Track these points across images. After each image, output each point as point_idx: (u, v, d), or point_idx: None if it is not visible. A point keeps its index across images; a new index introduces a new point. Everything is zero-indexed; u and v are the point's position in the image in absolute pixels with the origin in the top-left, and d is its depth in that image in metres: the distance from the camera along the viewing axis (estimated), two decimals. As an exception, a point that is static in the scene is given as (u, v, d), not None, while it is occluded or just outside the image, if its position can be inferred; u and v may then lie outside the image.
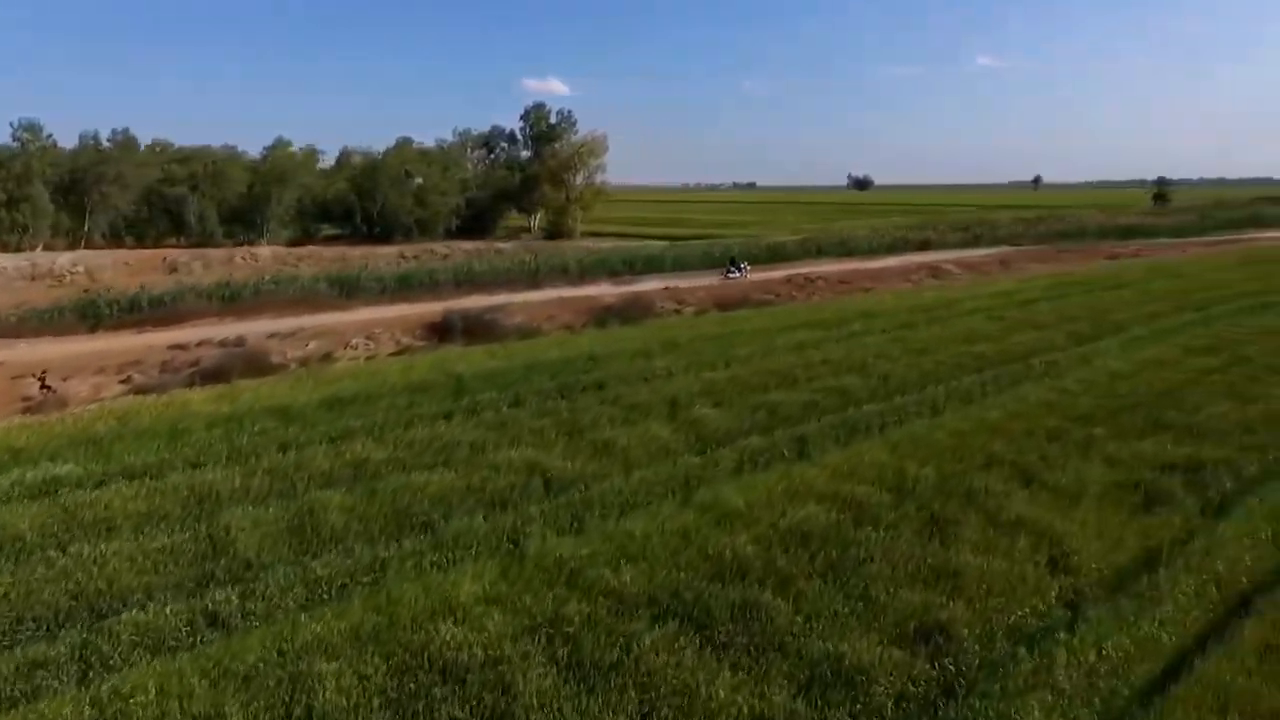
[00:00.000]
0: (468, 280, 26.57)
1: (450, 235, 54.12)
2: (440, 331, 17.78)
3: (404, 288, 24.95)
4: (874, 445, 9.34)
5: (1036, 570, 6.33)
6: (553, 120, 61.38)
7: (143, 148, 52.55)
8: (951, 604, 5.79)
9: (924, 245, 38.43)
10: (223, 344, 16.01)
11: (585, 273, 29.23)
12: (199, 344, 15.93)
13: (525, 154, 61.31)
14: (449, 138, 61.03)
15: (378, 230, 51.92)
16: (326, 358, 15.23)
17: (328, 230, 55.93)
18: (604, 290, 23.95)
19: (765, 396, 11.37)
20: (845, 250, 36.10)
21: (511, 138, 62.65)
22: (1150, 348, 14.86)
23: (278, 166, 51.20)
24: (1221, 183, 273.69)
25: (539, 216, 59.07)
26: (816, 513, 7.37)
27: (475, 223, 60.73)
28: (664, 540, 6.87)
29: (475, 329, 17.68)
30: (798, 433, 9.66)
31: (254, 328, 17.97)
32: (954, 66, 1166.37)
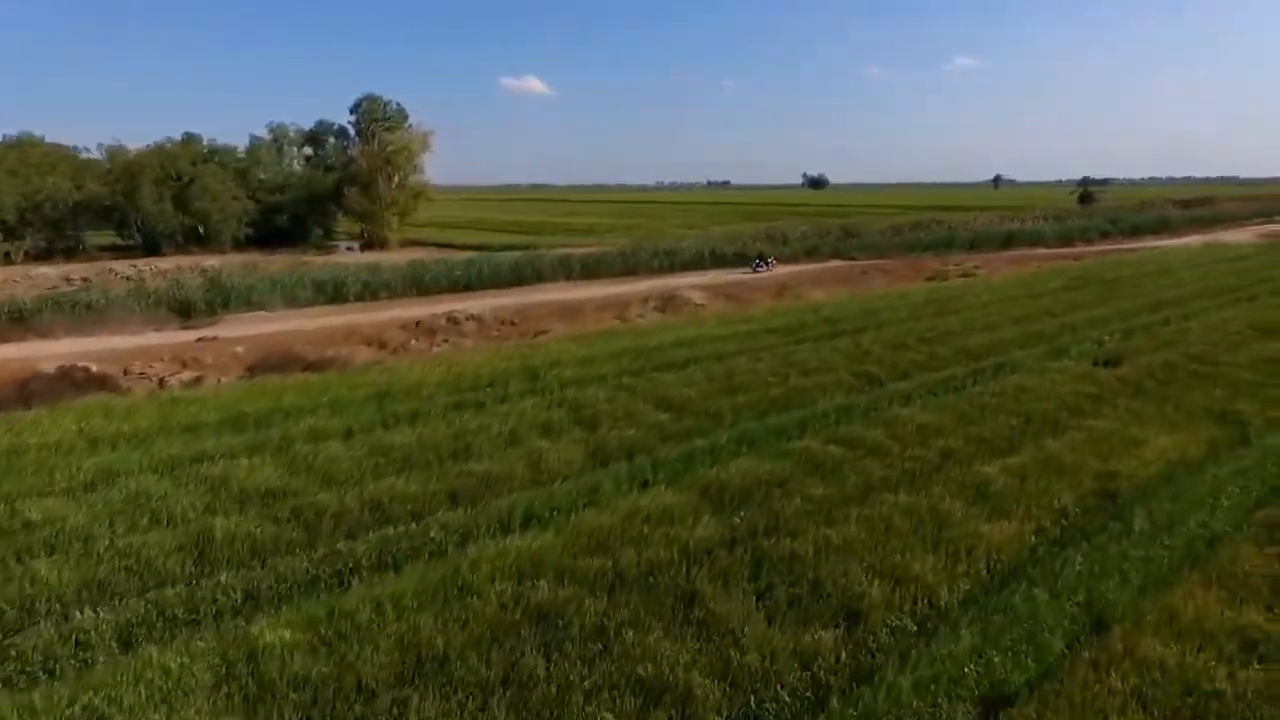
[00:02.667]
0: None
1: (242, 245, 47.18)
2: None
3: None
4: None
5: None
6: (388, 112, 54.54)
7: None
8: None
9: (738, 258, 32.51)
10: None
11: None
12: None
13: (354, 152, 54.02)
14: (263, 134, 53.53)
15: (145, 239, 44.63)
16: None
17: (96, 238, 48.44)
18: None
19: None
20: (626, 268, 30.08)
21: (342, 133, 55.43)
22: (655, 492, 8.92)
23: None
24: (1189, 180, 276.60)
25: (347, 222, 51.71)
26: None
27: (296, 228, 53.75)
28: None
29: None
30: None
31: None
32: (931, 67, 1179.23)
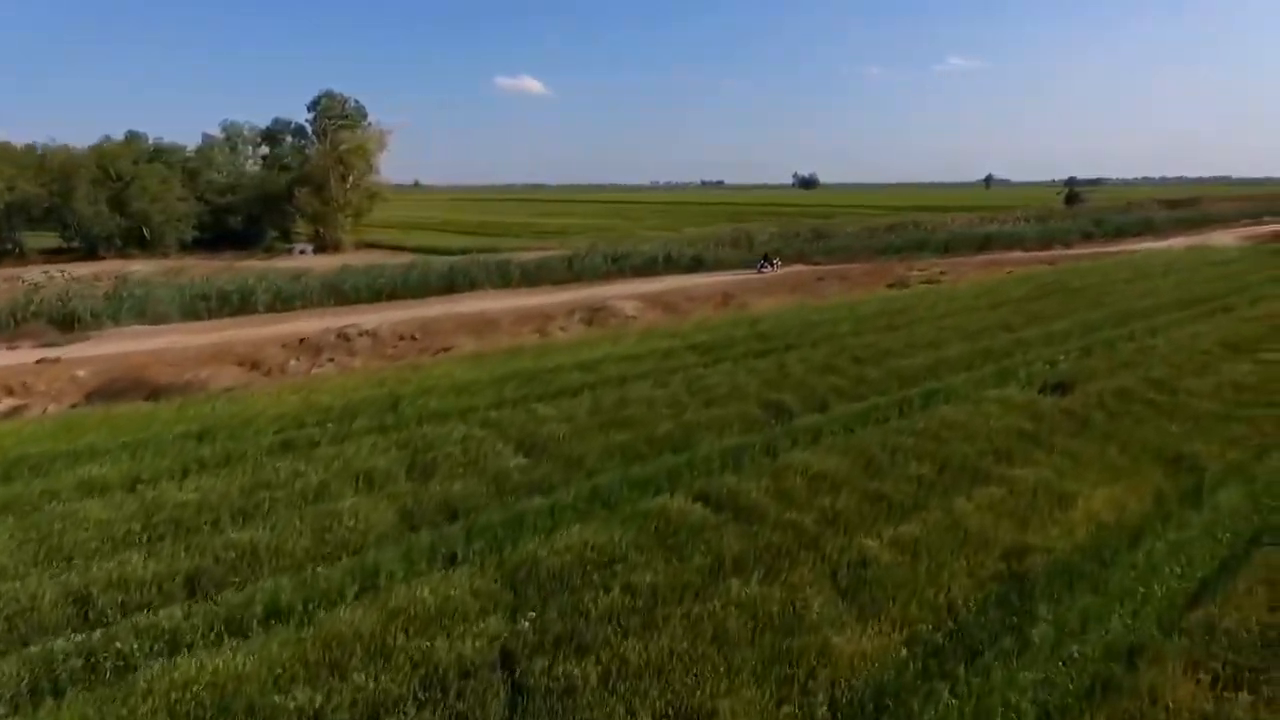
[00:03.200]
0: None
1: (189, 248, 45.33)
2: None
3: None
4: None
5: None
6: (351, 109, 52.68)
7: None
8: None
9: (696, 263, 30.87)
10: None
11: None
12: None
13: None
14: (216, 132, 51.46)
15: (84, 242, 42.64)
16: None
17: (39, 240, 46.40)
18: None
19: None
20: (574, 273, 28.42)
21: (301, 132, 53.44)
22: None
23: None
24: (1183, 180, 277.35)
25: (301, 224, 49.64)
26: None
27: (251, 230, 51.87)
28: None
29: None
30: None
31: None
32: (927, 67, 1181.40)
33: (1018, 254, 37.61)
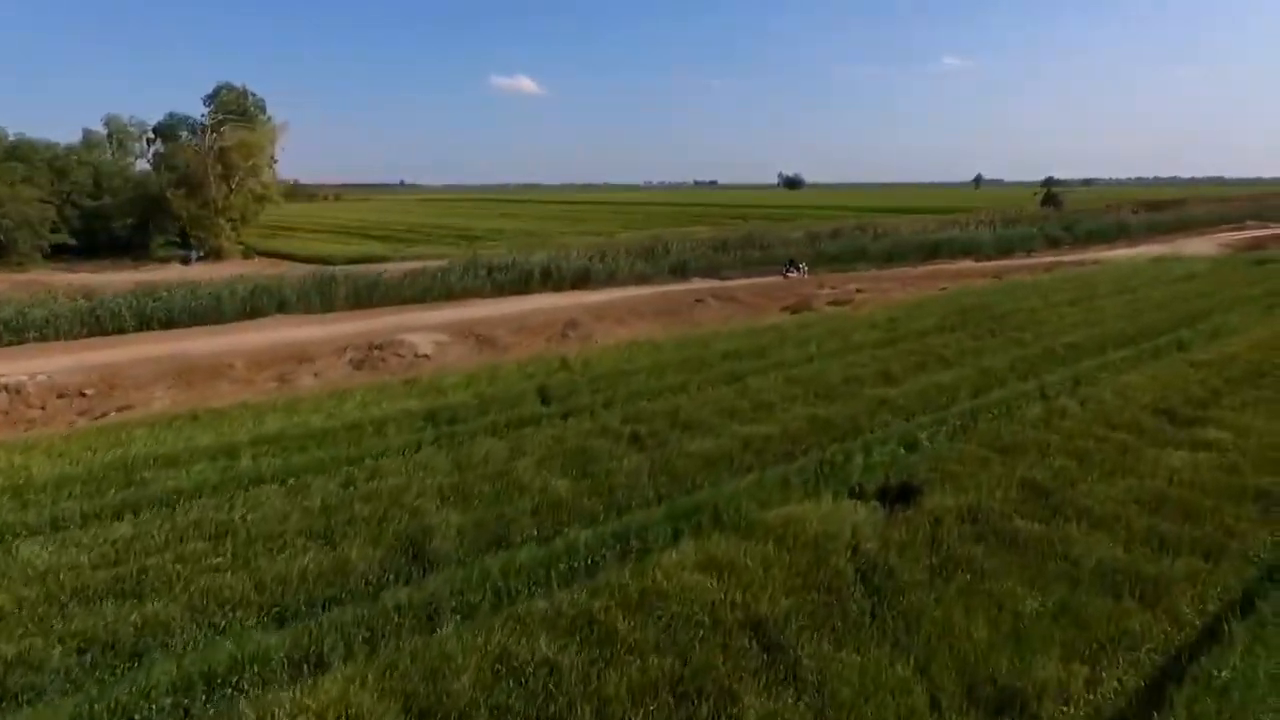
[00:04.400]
0: None
1: (53, 256, 40.84)
2: None
3: None
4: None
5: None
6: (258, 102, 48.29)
7: None
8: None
9: (582, 277, 26.64)
10: None
11: None
12: None
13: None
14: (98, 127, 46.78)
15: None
16: None
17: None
18: None
19: None
20: (447, 291, 24.29)
21: (199, 129, 48.89)
22: None
23: None
24: (1175, 181, 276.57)
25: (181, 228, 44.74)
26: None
27: (137, 236, 47.34)
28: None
29: None
30: None
31: None
32: (919, 66, 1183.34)
33: (967, 264, 33.71)
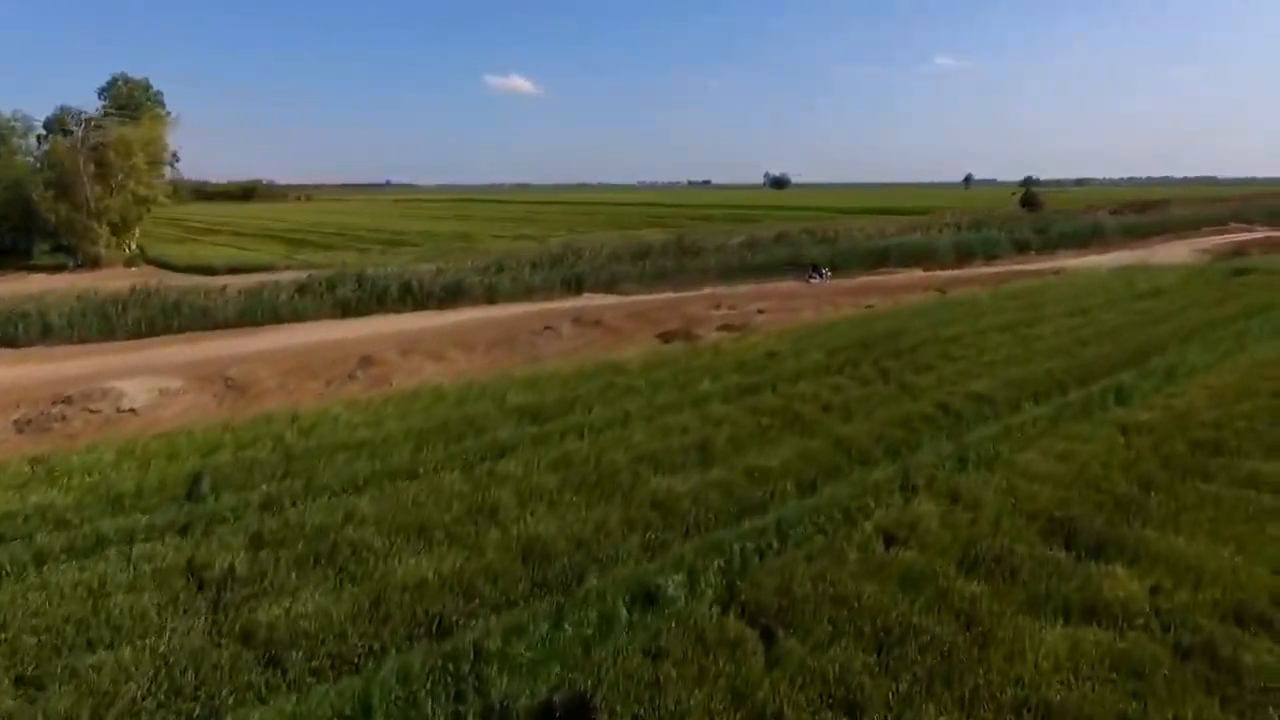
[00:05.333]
0: None
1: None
2: None
3: None
4: None
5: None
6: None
7: None
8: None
9: (450, 293, 22.89)
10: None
11: None
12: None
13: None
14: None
15: None
16: None
17: None
18: None
19: None
20: (274, 313, 20.61)
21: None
22: None
23: None
24: (1168, 180, 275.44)
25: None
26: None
27: (21, 241, 43.44)
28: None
29: None
30: None
31: None
32: (913, 66, 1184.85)
33: (912, 274, 30.22)
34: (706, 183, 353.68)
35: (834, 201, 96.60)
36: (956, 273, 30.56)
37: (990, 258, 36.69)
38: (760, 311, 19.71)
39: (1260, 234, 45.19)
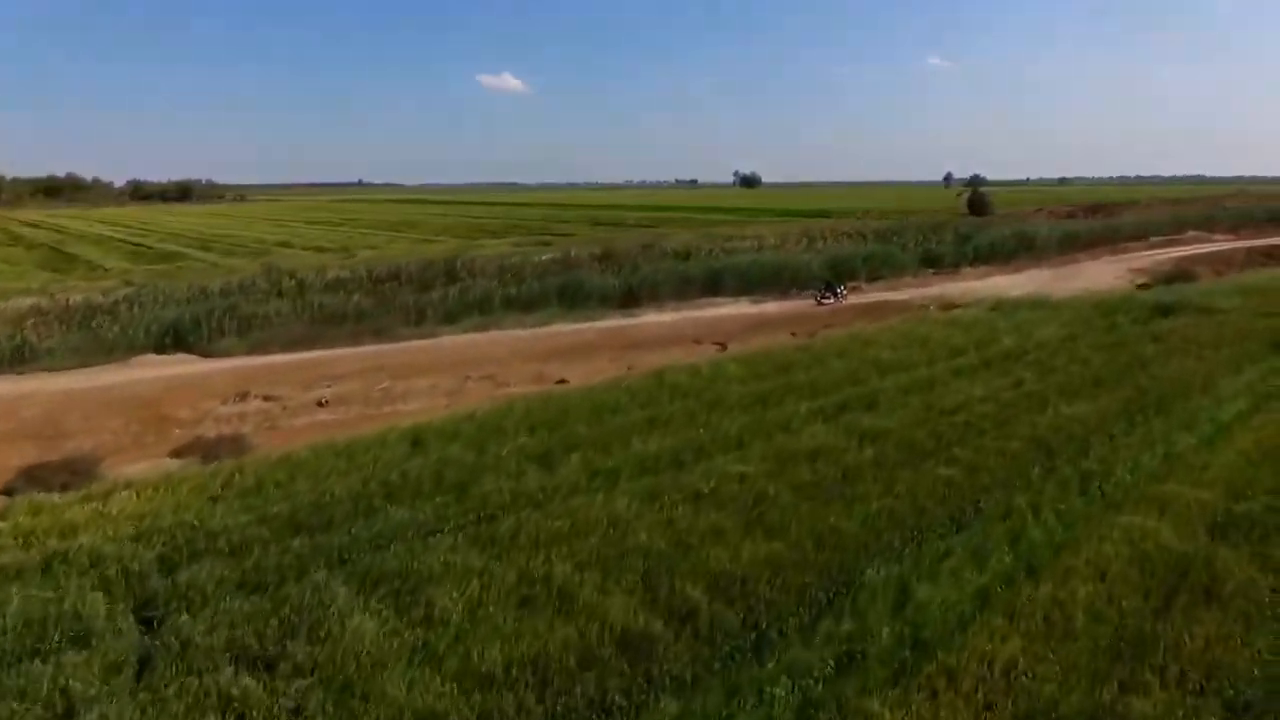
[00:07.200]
0: None
1: None
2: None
3: None
4: None
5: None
6: None
7: None
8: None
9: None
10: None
11: None
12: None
13: None
14: None
15: None
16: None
17: None
18: None
19: None
20: None
21: None
22: None
23: None
24: (1156, 179, 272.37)
25: None
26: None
27: None
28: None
29: None
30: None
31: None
32: (903, 66, 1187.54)
33: (722, 311, 22.24)
34: (693, 182, 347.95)
35: (806, 203, 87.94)
36: (790, 305, 22.76)
37: (874, 279, 28.91)
38: (321, 404, 11.54)
39: (1218, 245, 37.81)
